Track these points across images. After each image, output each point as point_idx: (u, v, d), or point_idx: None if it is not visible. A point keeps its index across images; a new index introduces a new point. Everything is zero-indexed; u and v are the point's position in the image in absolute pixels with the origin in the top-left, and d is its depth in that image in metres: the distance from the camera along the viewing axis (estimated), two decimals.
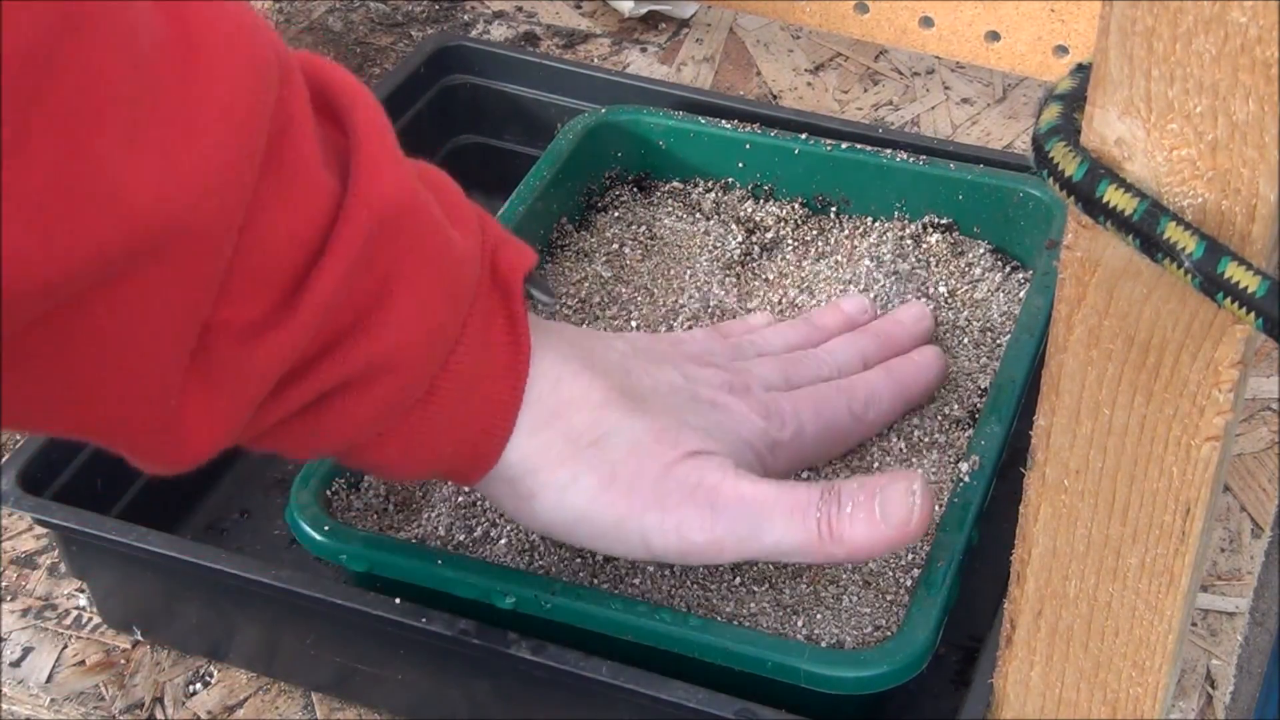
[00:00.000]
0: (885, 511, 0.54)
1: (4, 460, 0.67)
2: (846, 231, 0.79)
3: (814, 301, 0.75)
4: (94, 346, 0.43)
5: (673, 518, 0.54)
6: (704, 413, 0.57)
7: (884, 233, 0.78)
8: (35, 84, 0.38)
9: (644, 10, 1.02)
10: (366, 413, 0.50)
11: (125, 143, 0.41)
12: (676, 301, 0.76)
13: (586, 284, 0.77)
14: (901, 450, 0.68)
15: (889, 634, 0.60)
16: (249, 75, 0.44)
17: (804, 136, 0.80)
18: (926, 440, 0.69)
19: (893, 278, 0.75)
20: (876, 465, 0.68)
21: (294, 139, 0.46)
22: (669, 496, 0.54)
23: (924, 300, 0.74)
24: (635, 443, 0.54)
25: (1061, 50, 0.96)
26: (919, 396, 0.68)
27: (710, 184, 0.81)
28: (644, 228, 0.80)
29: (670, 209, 0.81)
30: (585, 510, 0.54)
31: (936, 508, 0.65)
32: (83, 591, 0.71)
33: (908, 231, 0.78)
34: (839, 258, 0.77)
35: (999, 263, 0.77)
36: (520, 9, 1.04)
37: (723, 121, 0.81)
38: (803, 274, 0.77)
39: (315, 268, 0.46)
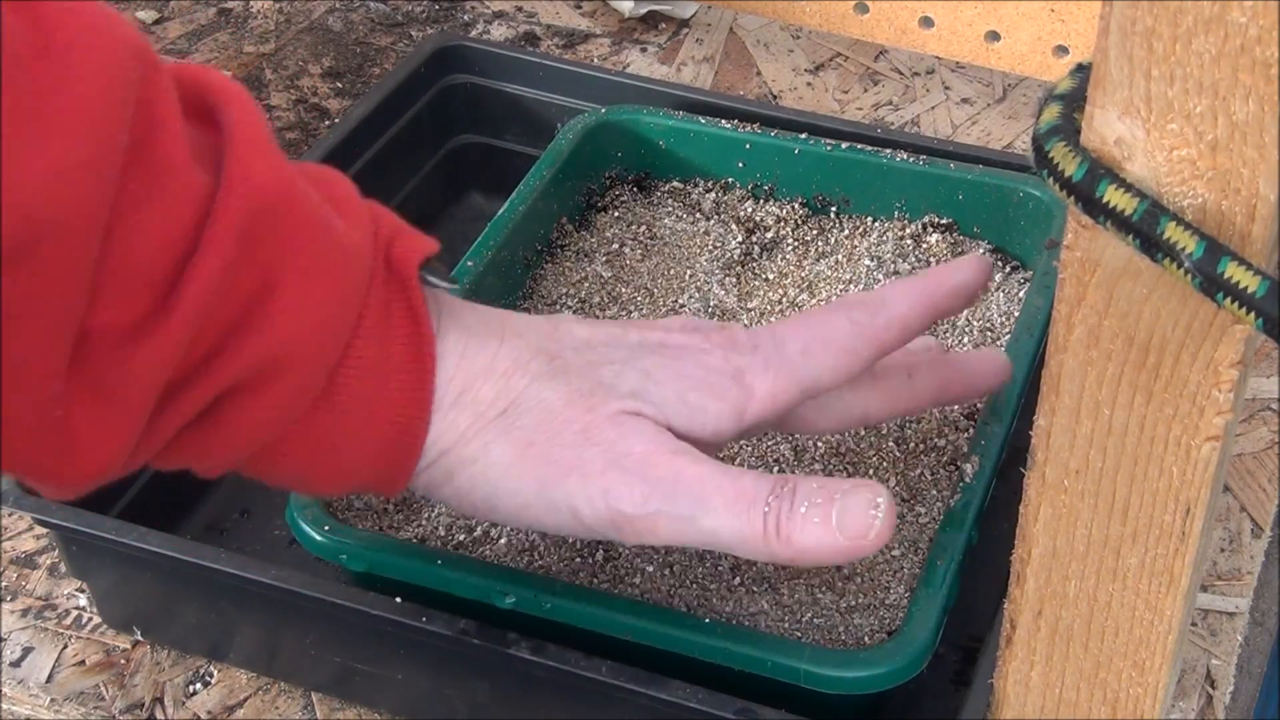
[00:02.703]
0: (842, 521, 0.50)
1: None
2: (846, 231, 0.79)
3: (814, 301, 0.75)
4: None
5: (597, 484, 0.51)
6: (642, 361, 0.53)
7: (884, 233, 0.78)
8: None
9: (644, 10, 1.02)
10: (265, 414, 0.48)
11: None
12: (676, 301, 0.76)
13: (586, 284, 0.77)
14: (897, 453, 0.68)
15: (889, 634, 0.60)
16: (104, 75, 0.43)
17: (804, 136, 0.80)
18: (925, 444, 0.69)
19: (893, 278, 0.75)
20: (873, 470, 0.68)
21: (160, 140, 0.45)
22: (591, 463, 0.51)
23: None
24: (547, 407, 0.51)
25: (1061, 50, 0.96)
26: (948, 299, 0.59)
27: (710, 184, 0.81)
28: (644, 228, 0.80)
29: (670, 209, 0.81)
30: (501, 482, 0.51)
31: (937, 510, 0.65)
32: (83, 591, 0.71)
33: (908, 231, 0.78)
34: (839, 258, 0.78)
35: (999, 263, 0.77)
36: (520, 9, 1.04)
37: (723, 121, 0.81)
38: (803, 274, 0.77)
39: (189, 267, 0.45)
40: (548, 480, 0.51)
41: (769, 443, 0.69)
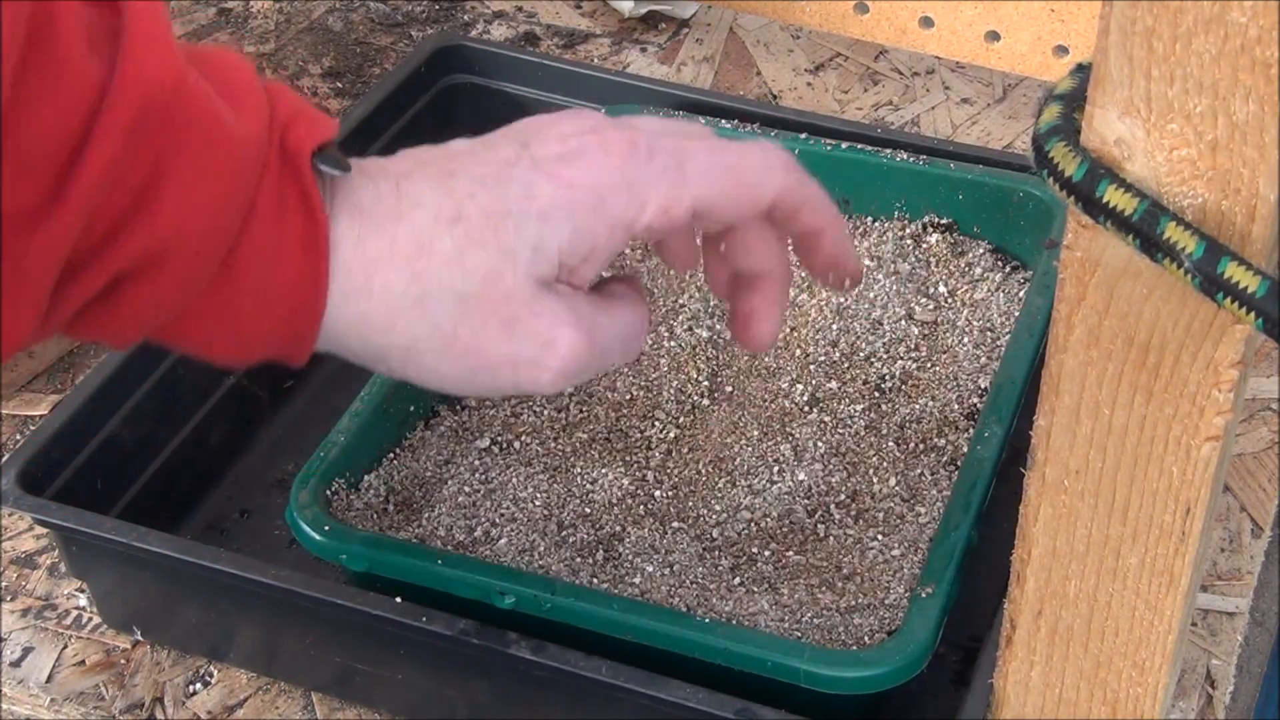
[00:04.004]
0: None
1: (4, 460, 0.67)
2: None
3: (814, 301, 0.75)
4: None
5: (524, 375, 0.53)
6: (537, 188, 0.53)
7: (884, 233, 0.78)
8: None
9: (644, 10, 1.02)
10: (160, 296, 0.49)
11: None
12: (677, 301, 0.76)
13: None
14: (897, 453, 0.68)
15: (889, 634, 0.60)
16: None
17: (804, 136, 0.80)
18: (925, 444, 0.69)
19: (893, 278, 0.75)
20: (873, 470, 0.68)
21: (55, 29, 0.46)
22: (517, 356, 0.53)
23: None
24: (461, 297, 0.52)
25: (1061, 50, 0.96)
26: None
27: None
28: None
29: None
30: (435, 368, 0.53)
31: (937, 510, 0.65)
32: (83, 591, 0.71)
33: (908, 231, 0.78)
34: None
35: (999, 263, 0.77)
36: (520, 9, 1.04)
37: (723, 121, 0.81)
38: (803, 274, 0.77)
39: (80, 156, 0.46)
40: (477, 371, 0.53)
41: (769, 443, 0.69)
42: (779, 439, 0.69)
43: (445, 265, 0.52)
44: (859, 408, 0.70)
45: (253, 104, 0.50)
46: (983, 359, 0.72)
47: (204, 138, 0.48)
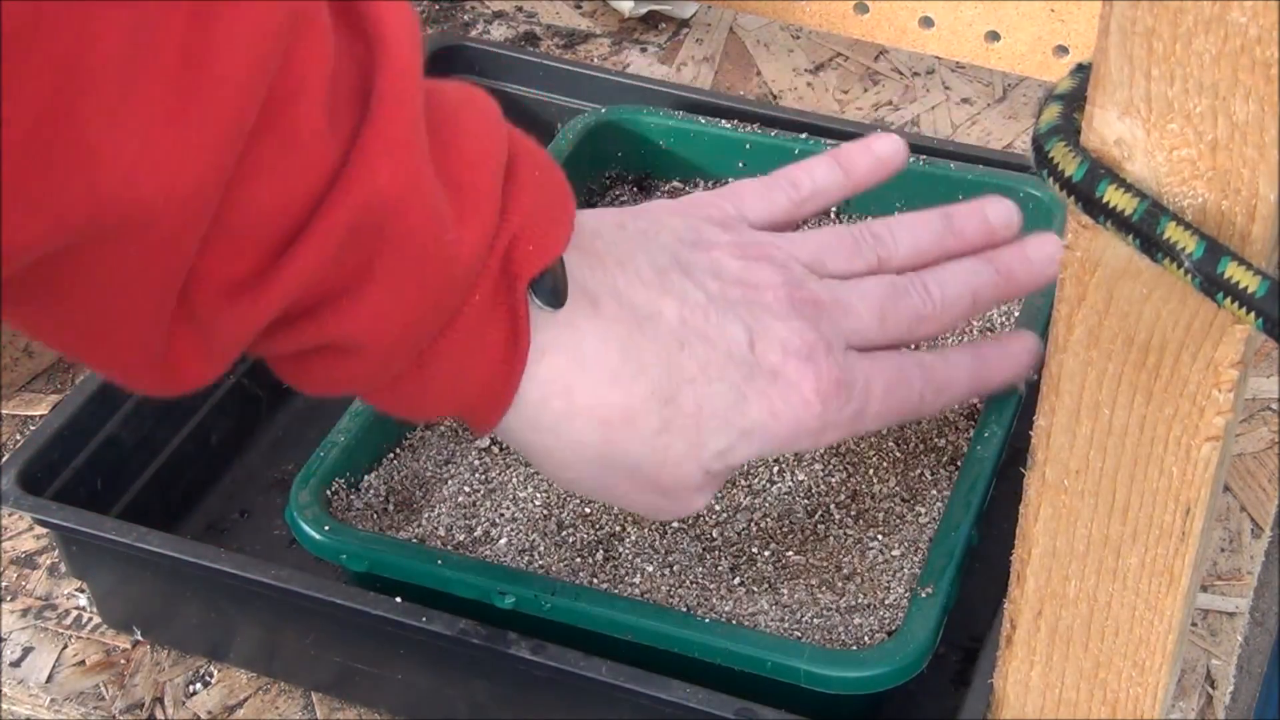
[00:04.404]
0: None
1: (4, 460, 0.67)
2: None
3: None
4: (80, 296, 0.43)
5: (657, 513, 0.58)
6: (751, 402, 0.55)
7: None
8: (28, 37, 0.37)
9: (644, 10, 1.02)
10: (351, 373, 0.50)
11: (108, 110, 0.39)
12: None
13: None
14: (897, 453, 0.68)
15: (889, 634, 0.60)
16: (256, 42, 0.41)
17: (804, 136, 0.80)
18: (925, 444, 0.69)
19: None
20: (873, 470, 0.68)
21: (299, 107, 0.44)
22: (659, 506, 0.57)
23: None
24: (636, 470, 0.54)
25: (1061, 50, 0.96)
26: (988, 391, 0.63)
27: (710, 184, 0.81)
28: None
29: None
30: (579, 490, 0.58)
31: (937, 510, 0.65)
32: (83, 591, 0.71)
33: None
34: None
35: None
36: (520, 9, 1.04)
37: (723, 121, 0.81)
38: None
39: (298, 242, 0.45)
40: (620, 499, 0.57)
41: None
42: None
43: (642, 441, 0.53)
44: None
45: (483, 213, 0.49)
46: None
47: (419, 252, 0.47)
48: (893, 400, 0.58)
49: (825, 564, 0.64)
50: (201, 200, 0.42)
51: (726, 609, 0.61)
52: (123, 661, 0.68)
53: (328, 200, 0.45)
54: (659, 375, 0.53)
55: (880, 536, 0.65)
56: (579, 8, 1.04)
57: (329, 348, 0.49)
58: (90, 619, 0.70)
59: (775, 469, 0.68)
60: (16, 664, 0.68)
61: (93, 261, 0.42)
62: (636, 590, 0.62)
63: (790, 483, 0.67)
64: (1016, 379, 0.62)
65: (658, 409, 0.53)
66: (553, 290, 0.51)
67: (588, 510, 0.66)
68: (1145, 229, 0.38)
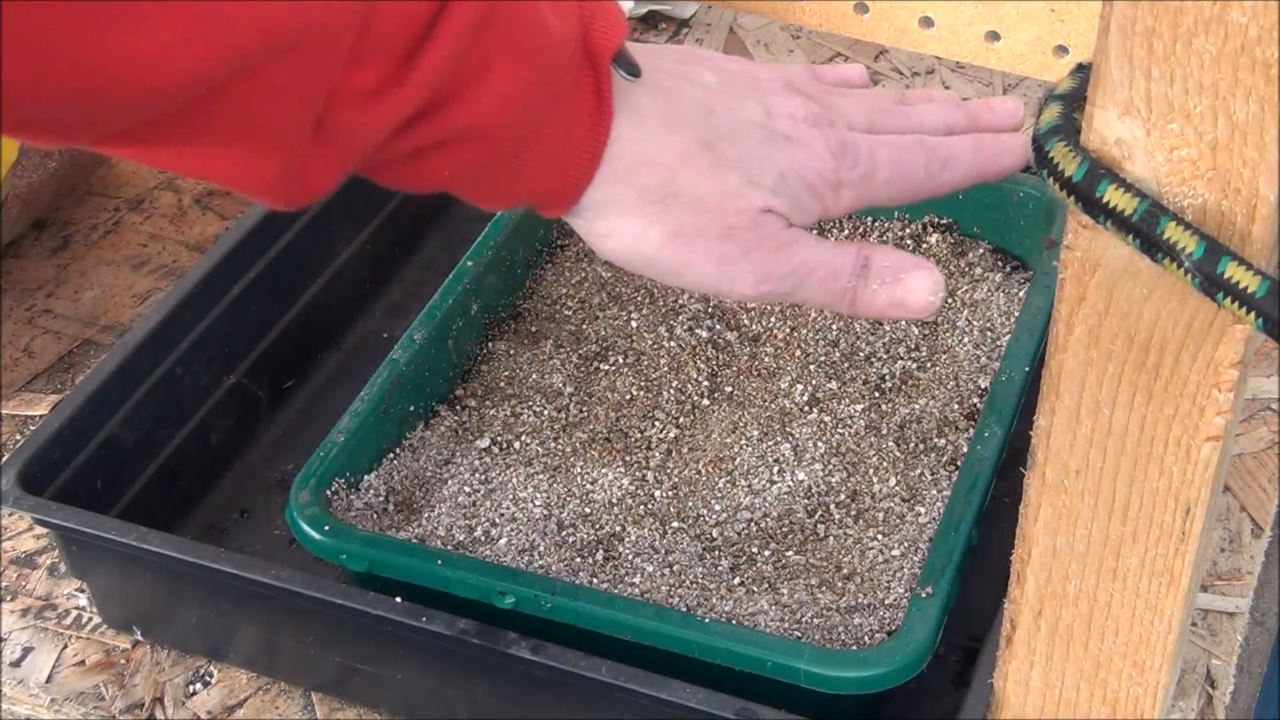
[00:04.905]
0: (905, 298, 0.60)
1: (4, 460, 0.67)
2: (847, 232, 0.79)
3: None
4: (231, 125, 0.48)
5: (728, 273, 0.60)
6: (777, 153, 0.61)
7: (884, 233, 0.78)
8: None
9: (644, 10, 1.02)
10: (468, 163, 0.55)
11: None
12: (677, 301, 0.76)
13: (586, 284, 0.77)
14: (897, 453, 0.68)
15: (889, 634, 0.60)
16: None
17: None
18: (925, 444, 0.69)
19: None
20: (873, 470, 0.68)
21: None
22: (728, 255, 0.60)
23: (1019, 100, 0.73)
24: (700, 203, 0.59)
25: (1061, 50, 0.96)
26: (995, 175, 0.67)
27: None
28: None
29: None
30: (653, 256, 0.60)
31: (937, 510, 0.65)
32: (83, 591, 0.71)
33: (908, 231, 0.78)
34: None
35: (999, 263, 0.77)
36: None
37: None
38: None
39: (424, 44, 0.51)
40: (691, 263, 0.60)
41: (768, 444, 0.69)
42: (779, 439, 0.69)
43: (699, 173, 0.59)
44: (859, 408, 0.70)
45: (568, 4, 0.57)
46: (983, 359, 0.72)
47: (528, 38, 0.54)
48: (899, 169, 0.63)
49: (825, 564, 0.64)
50: (351, 16, 0.48)
51: (726, 609, 0.61)
52: (123, 661, 0.68)
53: (448, 5, 0.51)
54: (701, 128, 0.60)
55: (880, 536, 0.65)
56: None
57: (450, 140, 0.54)
58: (90, 619, 0.70)
59: (775, 469, 0.68)
60: (16, 664, 0.68)
61: (254, 86, 0.47)
62: (636, 590, 0.62)
63: (790, 483, 0.67)
64: (1016, 166, 0.66)
65: (706, 151, 0.60)
66: (629, 63, 0.58)
67: (588, 510, 0.66)
68: (1145, 229, 0.38)
